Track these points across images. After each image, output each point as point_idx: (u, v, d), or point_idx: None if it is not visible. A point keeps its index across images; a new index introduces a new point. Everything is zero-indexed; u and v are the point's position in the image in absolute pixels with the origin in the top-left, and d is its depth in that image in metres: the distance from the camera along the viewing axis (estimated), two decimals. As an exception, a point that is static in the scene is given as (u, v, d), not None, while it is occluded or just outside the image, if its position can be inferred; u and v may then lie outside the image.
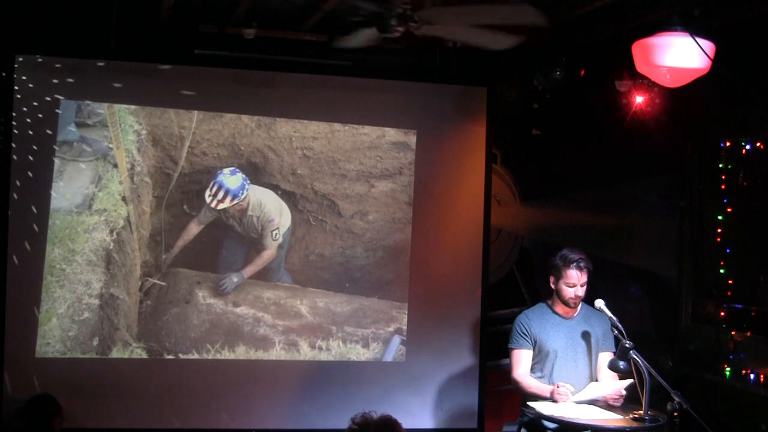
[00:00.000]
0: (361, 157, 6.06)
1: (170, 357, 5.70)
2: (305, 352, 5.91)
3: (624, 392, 4.48)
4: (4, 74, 5.43)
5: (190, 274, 5.81)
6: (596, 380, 4.67)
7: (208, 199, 5.79)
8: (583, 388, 4.58)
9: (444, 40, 5.34)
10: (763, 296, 5.25)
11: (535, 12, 4.55)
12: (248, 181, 5.85)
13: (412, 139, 6.12)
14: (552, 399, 4.45)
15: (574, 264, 4.55)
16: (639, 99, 5.60)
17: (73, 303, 5.56)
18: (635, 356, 4.31)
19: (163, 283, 5.74)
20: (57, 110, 5.56)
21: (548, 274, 4.70)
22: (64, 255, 5.56)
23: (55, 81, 5.52)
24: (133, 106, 5.67)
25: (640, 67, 4.41)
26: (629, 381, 4.40)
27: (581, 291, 4.59)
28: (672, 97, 5.43)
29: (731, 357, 5.39)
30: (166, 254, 5.75)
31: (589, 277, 4.61)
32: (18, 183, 5.46)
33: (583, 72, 5.64)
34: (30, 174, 5.50)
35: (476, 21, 4.71)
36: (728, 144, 5.54)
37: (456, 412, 6.07)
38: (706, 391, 5.50)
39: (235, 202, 5.82)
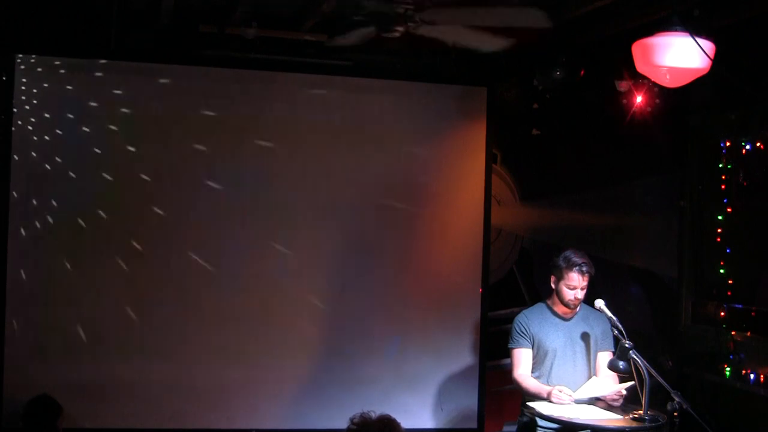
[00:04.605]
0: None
1: (170, 357, 5.70)
2: (306, 352, 5.91)
3: (624, 392, 4.48)
4: (4, 75, 5.43)
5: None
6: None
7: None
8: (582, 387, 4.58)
9: (443, 41, 5.34)
10: (763, 296, 5.26)
11: (537, 13, 4.56)
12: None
13: (412, 138, 6.11)
14: (548, 400, 4.45)
15: (577, 267, 4.54)
16: (639, 99, 5.60)
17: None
18: (635, 356, 4.30)
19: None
20: (57, 110, 5.55)
21: (549, 273, 4.70)
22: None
23: (55, 81, 5.53)
24: (133, 106, 5.68)
25: (640, 67, 4.41)
26: (630, 383, 4.40)
27: (581, 294, 4.59)
28: (672, 97, 5.43)
29: (731, 357, 5.40)
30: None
31: (590, 281, 4.61)
32: (18, 183, 5.46)
33: (583, 72, 5.63)
34: (30, 173, 5.50)
35: (477, 23, 4.71)
36: (728, 144, 5.55)
37: (456, 412, 6.07)
38: (706, 391, 5.50)
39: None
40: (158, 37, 5.57)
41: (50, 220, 5.53)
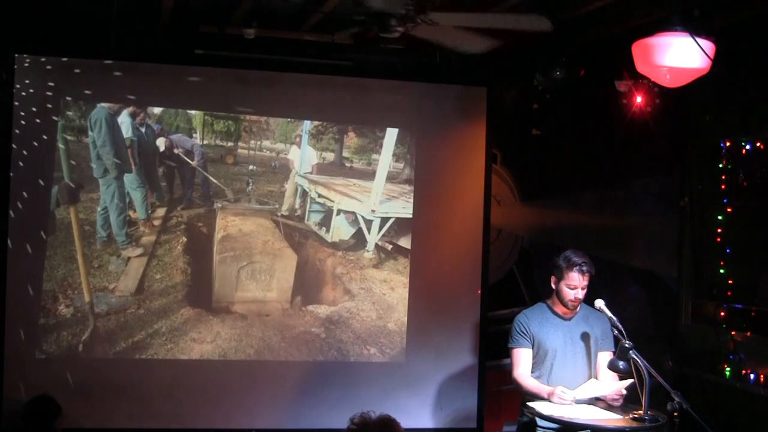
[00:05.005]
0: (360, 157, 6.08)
1: (170, 357, 5.70)
2: (305, 352, 5.91)
3: (624, 391, 4.48)
4: (4, 75, 5.43)
5: (190, 274, 5.82)
6: (596, 379, 4.67)
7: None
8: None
9: (442, 42, 5.34)
10: (763, 296, 5.25)
11: (539, 19, 4.56)
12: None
13: (412, 139, 6.12)
14: (549, 400, 4.45)
15: (577, 267, 4.54)
16: (639, 99, 5.60)
17: (73, 303, 5.57)
18: (635, 356, 4.30)
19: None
20: (57, 110, 5.56)
21: (550, 273, 4.70)
22: (65, 255, 5.56)
23: (55, 81, 5.52)
24: (132, 106, 5.68)
25: (640, 67, 4.41)
26: (629, 381, 4.40)
27: (581, 294, 4.59)
28: (672, 97, 5.43)
29: (731, 357, 5.39)
30: (166, 254, 5.76)
31: (590, 281, 4.60)
32: (18, 183, 5.46)
33: (583, 72, 5.63)
34: (30, 174, 5.50)
35: (477, 25, 4.72)
36: (728, 144, 5.55)
37: (455, 412, 6.07)
38: (706, 391, 5.50)
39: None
40: (158, 37, 5.57)
41: (51, 220, 5.54)
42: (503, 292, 6.45)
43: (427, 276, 6.10)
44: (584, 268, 4.55)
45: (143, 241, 5.75)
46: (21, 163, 5.48)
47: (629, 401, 4.49)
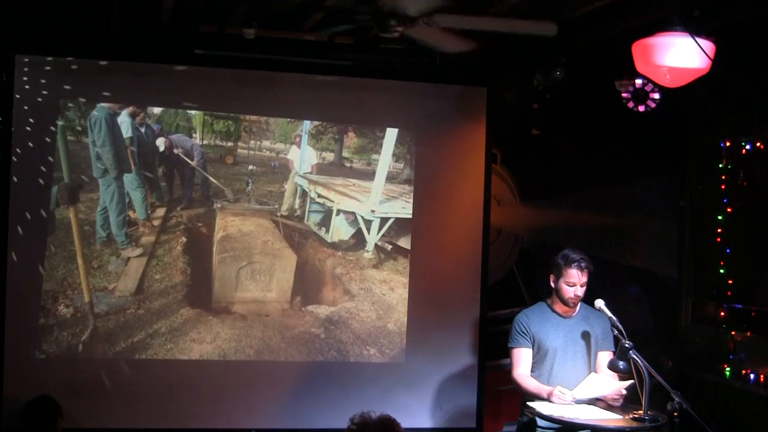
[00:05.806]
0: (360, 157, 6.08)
1: (170, 357, 5.70)
2: (305, 353, 5.91)
3: (624, 391, 4.48)
4: (4, 75, 5.42)
5: (190, 274, 5.82)
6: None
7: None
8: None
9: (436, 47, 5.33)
10: (763, 296, 5.26)
11: (543, 23, 4.56)
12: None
13: (411, 139, 6.12)
14: (549, 400, 4.45)
15: (576, 264, 4.55)
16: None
17: (73, 303, 5.57)
18: (635, 356, 4.30)
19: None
20: (57, 110, 5.56)
21: (549, 272, 4.70)
22: (65, 255, 5.56)
23: (55, 81, 5.52)
24: (132, 106, 5.68)
25: (640, 67, 4.41)
26: (629, 381, 4.40)
27: (581, 291, 4.59)
28: (672, 97, 5.43)
29: (731, 357, 5.40)
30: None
31: (589, 278, 4.61)
32: (18, 183, 5.46)
33: (582, 72, 5.63)
34: (30, 174, 5.50)
35: (480, 28, 4.72)
36: (728, 144, 5.55)
37: (455, 412, 6.07)
38: (706, 391, 5.50)
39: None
40: (158, 37, 5.57)
41: (51, 220, 5.54)
42: (503, 292, 6.45)
43: (426, 276, 6.10)
44: (583, 265, 4.56)
45: (143, 241, 5.75)
46: (21, 163, 5.47)
47: (629, 401, 4.49)
